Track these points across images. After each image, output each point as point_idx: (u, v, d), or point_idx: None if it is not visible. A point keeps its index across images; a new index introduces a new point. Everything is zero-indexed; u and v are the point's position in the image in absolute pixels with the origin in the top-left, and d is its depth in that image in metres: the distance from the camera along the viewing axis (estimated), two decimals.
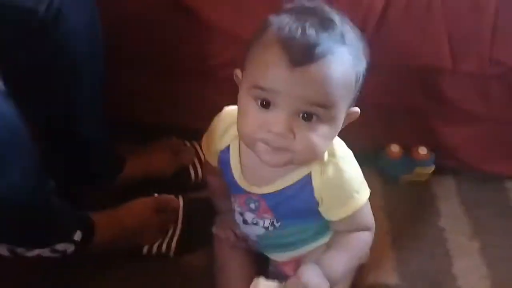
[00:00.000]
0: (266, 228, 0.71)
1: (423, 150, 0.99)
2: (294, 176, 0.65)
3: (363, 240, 0.69)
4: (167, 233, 0.85)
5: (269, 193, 0.67)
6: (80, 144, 0.80)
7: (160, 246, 0.84)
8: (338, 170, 0.63)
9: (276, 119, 0.56)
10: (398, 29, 0.82)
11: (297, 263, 0.72)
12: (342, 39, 0.56)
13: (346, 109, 0.59)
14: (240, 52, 0.57)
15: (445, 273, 0.87)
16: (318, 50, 0.54)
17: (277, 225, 0.71)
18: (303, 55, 0.54)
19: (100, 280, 0.80)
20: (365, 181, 0.66)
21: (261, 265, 0.83)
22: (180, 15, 0.85)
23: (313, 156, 0.60)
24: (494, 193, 1.01)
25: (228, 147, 0.68)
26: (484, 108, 0.93)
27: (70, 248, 0.72)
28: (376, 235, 0.70)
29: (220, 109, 0.70)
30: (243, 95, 0.59)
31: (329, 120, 0.57)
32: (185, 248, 0.85)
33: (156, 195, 0.87)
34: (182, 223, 0.86)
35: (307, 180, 0.64)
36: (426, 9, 0.80)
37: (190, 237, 0.85)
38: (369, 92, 0.63)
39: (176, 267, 0.83)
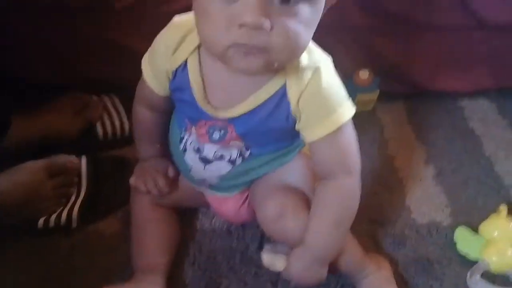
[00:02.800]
0: (233, 162, 0.62)
1: (364, 74, 0.90)
2: (268, 89, 0.56)
3: (348, 190, 0.58)
4: (68, 200, 0.71)
5: (239, 116, 0.58)
6: None
7: (59, 217, 0.70)
8: (318, 75, 0.55)
9: (246, 6, 0.47)
10: None
11: (241, 195, 0.66)
12: None
13: None
14: None
15: (400, 205, 0.78)
16: None
17: (246, 154, 0.62)
18: None
19: None
20: (347, 95, 0.57)
21: (187, 223, 0.72)
22: None
23: (295, 51, 0.51)
24: (447, 114, 0.93)
25: (185, 64, 0.57)
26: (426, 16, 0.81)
27: None
28: None
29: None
30: None
31: None
32: (91, 216, 0.72)
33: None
34: (87, 186, 0.73)
35: (282, 93, 0.56)
36: None
37: (97, 202, 0.72)
38: None
39: (81, 239, 0.70)
